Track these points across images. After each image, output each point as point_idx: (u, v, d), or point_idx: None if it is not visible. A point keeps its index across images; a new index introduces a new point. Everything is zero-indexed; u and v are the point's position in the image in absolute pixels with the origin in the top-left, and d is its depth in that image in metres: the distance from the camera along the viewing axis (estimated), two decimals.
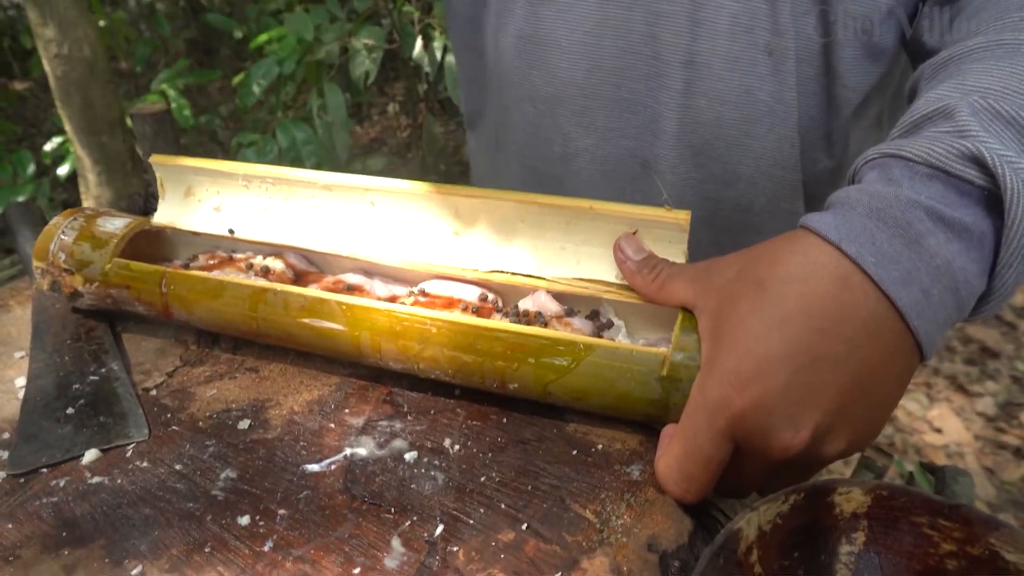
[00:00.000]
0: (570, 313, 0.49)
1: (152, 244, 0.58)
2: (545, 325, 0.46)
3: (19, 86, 3.63)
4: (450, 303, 0.49)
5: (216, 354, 0.54)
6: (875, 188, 0.38)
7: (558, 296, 0.49)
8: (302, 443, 0.44)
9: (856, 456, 0.73)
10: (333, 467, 0.43)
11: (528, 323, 0.46)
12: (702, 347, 0.39)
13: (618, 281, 0.47)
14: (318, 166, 1.75)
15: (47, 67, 2.00)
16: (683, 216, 0.46)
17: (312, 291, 0.48)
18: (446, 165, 2.55)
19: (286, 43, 1.83)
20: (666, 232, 0.47)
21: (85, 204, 2.14)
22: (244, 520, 0.39)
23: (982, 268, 0.37)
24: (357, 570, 0.36)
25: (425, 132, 2.59)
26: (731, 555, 0.31)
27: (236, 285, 0.49)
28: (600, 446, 0.43)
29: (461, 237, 0.51)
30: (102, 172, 2.16)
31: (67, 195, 2.42)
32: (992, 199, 0.36)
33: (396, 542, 0.37)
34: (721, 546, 0.31)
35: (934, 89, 0.42)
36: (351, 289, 0.51)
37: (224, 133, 3.44)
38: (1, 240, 1.93)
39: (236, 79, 1.91)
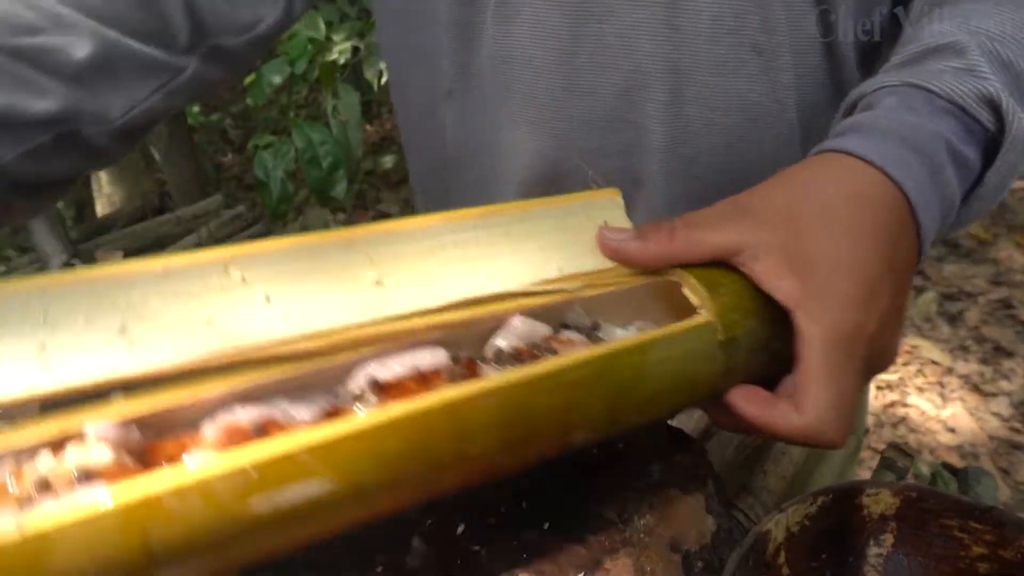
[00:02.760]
0: (562, 328, 0.38)
1: None
2: (555, 352, 0.35)
3: None
4: (422, 380, 0.32)
5: None
6: (902, 116, 0.39)
7: (530, 315, 0.37)
8: None
9: (876, 456, 0.72)
10: None
11: (524, 360, 0.34)
12: (772, 287, 0.36)
13: (594, 268, 0.40)
14: (334, 166, 1.75)
15: None
16: (615, 193, 0.43)
17: (245, 452, 0.25)
18: None
19: (296, 42, 1.82)
20: (604, 212, 0.43)
21: (98, 202, 2.16)
22: None
23: (960, 200, 0.40)
24: (379, 569, 0.36)
25: None
26: (760, 557, 0.31)
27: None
28: (621, 445, 0.43)
29: (383, 285, 0.35)
30: (114, 170, 2.18)
31: (80, 193, 2.44)
32: (990, 141, 0.39)
33: (417, 541, 0.37)
34: (750, 548, 0.31)
35: (936, 23, 0.43)
36: (262, 431, 0.28)
37: (234, 132, 3.46)
38: (16, 237, 1.94)
39: (247, 79, 1.91)
